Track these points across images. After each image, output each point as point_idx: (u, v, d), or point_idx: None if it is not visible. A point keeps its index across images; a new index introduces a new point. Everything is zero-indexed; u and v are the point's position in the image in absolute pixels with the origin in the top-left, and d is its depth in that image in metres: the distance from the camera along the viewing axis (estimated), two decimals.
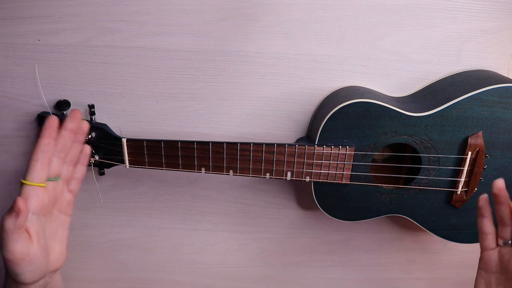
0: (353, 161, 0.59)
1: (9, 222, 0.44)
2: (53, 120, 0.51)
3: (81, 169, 0.58)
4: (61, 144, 0.52)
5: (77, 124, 0.55)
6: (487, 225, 0.51)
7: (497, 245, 0.50)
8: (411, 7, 0.58)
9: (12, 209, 0.45)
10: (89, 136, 0.59)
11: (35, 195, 0.48)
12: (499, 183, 0.48)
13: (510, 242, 0.49)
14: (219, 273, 0.79)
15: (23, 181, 0.48)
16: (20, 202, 0.45)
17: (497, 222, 0.50)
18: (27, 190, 0.48)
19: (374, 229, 0.75)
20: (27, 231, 0.47)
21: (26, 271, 0.47)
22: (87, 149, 0.58)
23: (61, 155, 0.53)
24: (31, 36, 0.59)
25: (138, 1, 0.57)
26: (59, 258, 0.54)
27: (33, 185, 0.48)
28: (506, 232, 0.49)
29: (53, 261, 0.53)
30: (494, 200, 0.49)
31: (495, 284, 0.50)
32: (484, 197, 0.51)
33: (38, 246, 0.48)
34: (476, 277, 0.52)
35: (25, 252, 0.46)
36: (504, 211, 0.48)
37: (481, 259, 0.52)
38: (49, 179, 0.51)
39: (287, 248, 0.76)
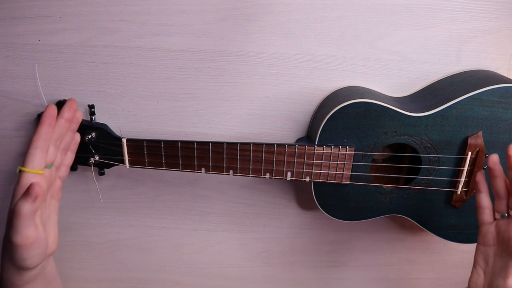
0: (353, 161, 0.59)
1: (27, 207, 0.45)
2: (52, 109, 0.53)
3: (71, 156, 0.59)
4: (57, 133, 0.54)
5: (73, 113, 0.56)
6: (484, 200, 0.53)
7: (494, 218, 0.53)
8: (411, 7, 0.58)
9: (27, 194, 0.45)
10: (89, 136, 0.59)
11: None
12: (494, 157, 0.51)
13: (506, 214, 0.51)
14: (219, 273, 0.79)
15: (23, 169, 0.49)
16: (37, 187, 0.45)
17: (494, 196, 0.52)
18: (27, 177, 0.49)
19: (374, 229, 0.75)
20: None
21: (33, 255, 0.49)
22: (78, 137, 0.59)
23: (57, 143, 0.55)
24: (31, 36, 0.59)
25: (138, 1, 0.57)
26: (53, 242, 0.55)
27: (34, 172, 0.49)
28: (502, 205, 0.51)
29: (50, 245, 0.54)
30: (490, 174, 0.51)
31: (493, 256, 0.52)
32: (481, 172, 0.54)
33: (43, 231, 0.50)
34: (475, 253, 0.54)
35: (36, 237, 0.48)
36: (499, 184, 0.51)
37: (479, 233, 0.54)
38: (45, 166, 0.52)
39: (287, 248, 0.76)
